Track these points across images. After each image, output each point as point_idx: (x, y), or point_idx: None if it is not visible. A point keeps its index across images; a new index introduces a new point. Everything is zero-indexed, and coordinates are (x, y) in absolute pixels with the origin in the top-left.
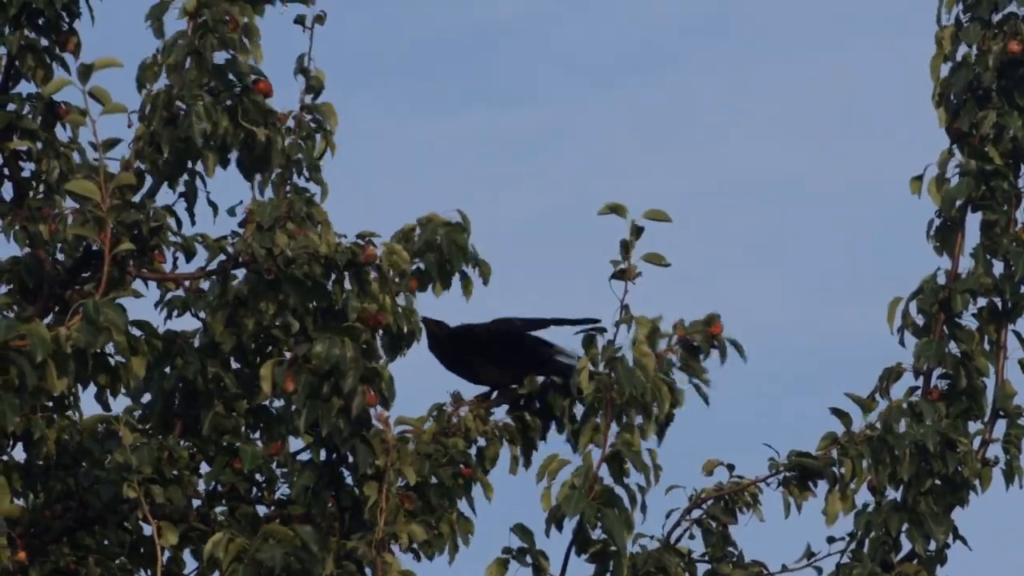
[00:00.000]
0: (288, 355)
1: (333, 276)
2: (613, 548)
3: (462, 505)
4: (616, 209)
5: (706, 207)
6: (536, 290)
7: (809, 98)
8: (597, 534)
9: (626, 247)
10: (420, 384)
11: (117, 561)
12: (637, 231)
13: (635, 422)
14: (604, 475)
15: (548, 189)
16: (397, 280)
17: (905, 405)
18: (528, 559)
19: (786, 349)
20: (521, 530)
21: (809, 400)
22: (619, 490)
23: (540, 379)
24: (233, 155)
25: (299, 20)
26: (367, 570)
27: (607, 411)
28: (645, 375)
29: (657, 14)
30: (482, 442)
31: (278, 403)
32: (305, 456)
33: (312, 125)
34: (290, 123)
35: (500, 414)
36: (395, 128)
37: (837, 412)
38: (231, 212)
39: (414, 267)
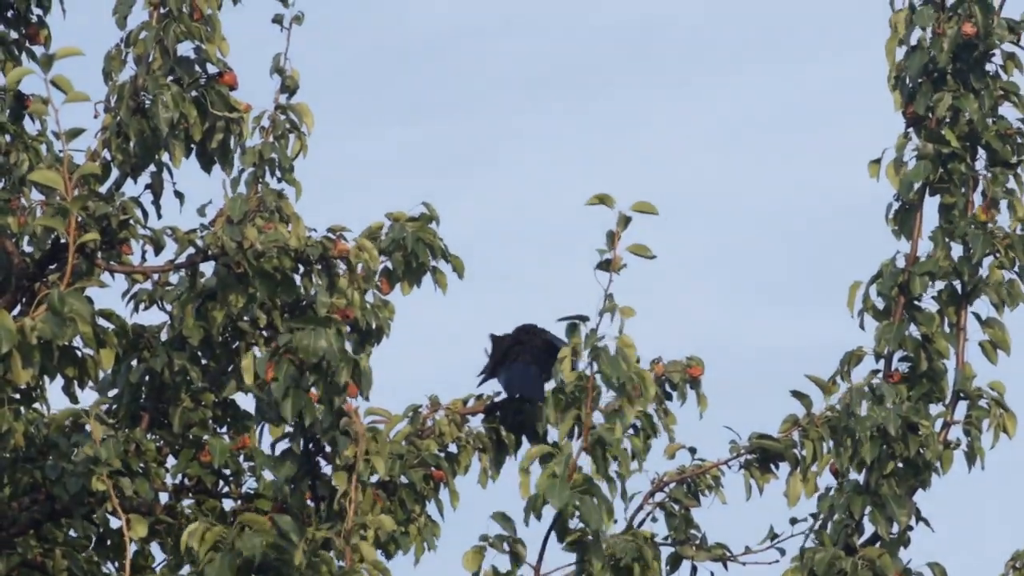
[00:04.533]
0: (258, 348)
1: (302, 270)
2: (590, 537)
3: (430, 509)
4: (603, 199)
5: (645, 221)
6: (501, 291)
7: (751, 107)
8: (575, 522)
9: (612, 237)
10: (386, 383)
11: (84, 554)
12: (625, 221)
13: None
14: (583, 463)
15: (487, 204)
16: (365, 277)
17: (866, 388)
18: (506, 546)
19: (728, 356)
20: (502, 517)
21: (764, 400)
22: (597, 479)
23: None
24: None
25: (277, 20)
26: (338, 561)
27: (588, 400)
28: (628, 364)
29: (594, 27)
30: (454, 448)
31: (251, 397)
32: (282, 447)
33: (287, 125)
34: (265, 122)
35: (476, 423)
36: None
37: (797, 394)
38: (201, 212)
39: (382, 265)
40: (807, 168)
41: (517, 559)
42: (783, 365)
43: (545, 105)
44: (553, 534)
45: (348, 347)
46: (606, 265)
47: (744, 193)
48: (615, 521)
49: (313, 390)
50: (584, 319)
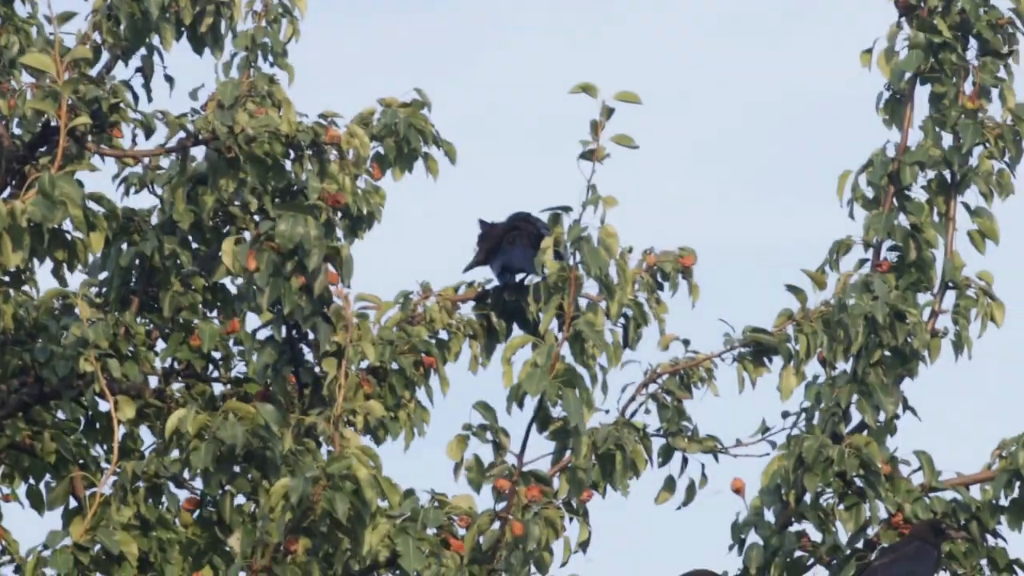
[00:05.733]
0: (247, 233)
1: (293, 155)
2: (573, 426)
3: (420, 395)
4: (587, 88)
5: (633, 113)
6: (495, 177)
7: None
8: (558, 412)
9: (595, 127)
10: (378, 268)
11: (73, 436)
12: (608, 112)
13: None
14: (566, 353)
15: (473, 94)
16: (356, 163)
17: (855, 278)
18: (489, 436)
19: (719, 250)
20: (483, 407)
21: (755, 294)
22: (580, 369)
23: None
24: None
25: None
26: (325, 447)
27: (571, 290)
28: (610, 255)
29: None
30: (444, 335)
31: (238, 281)
32: (264, 333)
33: (279, 10)
34: (258, 6)
35: (466, 310)
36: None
37: (792, 288)
38: (193, 96)
39: (373, 151)
40: (798, 59)
41: (500, 448)
42: (775, 259)
43: None
44: (536, 424)
45: (339, 233)
46: (589, 155)
47: (734, 84)
48: (606, 412)
49: (297, 276)
50: (567, 209)
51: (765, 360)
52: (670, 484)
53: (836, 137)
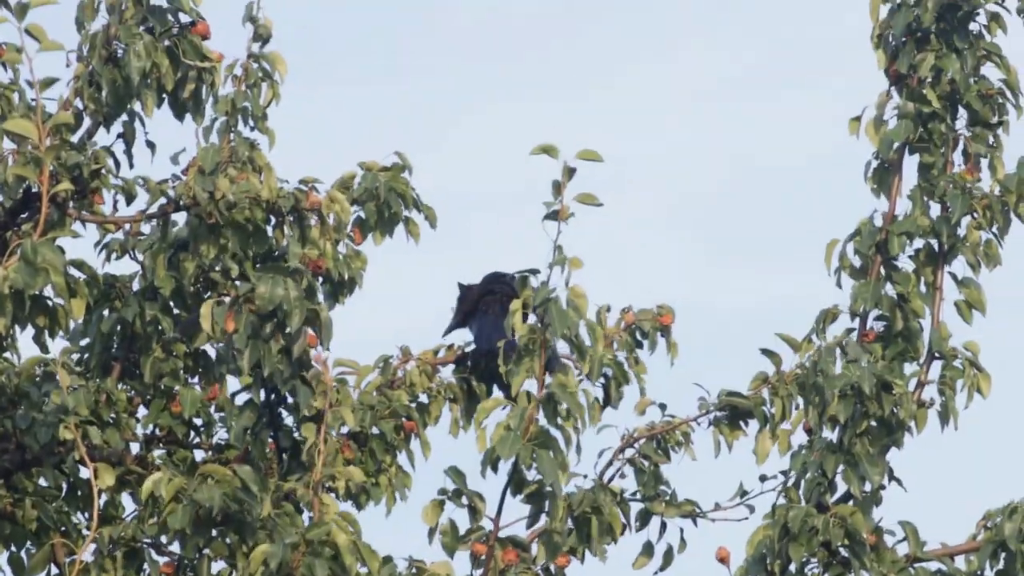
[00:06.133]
0: (227, 297)
1: (274, 221)
2: (548, 489)
3: (401, 459)
4: (547, 150)
5: (606, 177)
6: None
7: (728, 62)
8: (532, 475)
9: (558, 187)
10: (359, 333)
11: (54, 504)
12: (569, 172)
13: (570, 362)
14: (540, 417)
15: (447, 162)
16: (337, 228)
17: (837, 347)
18: (464, 500)
19: (697, 314)
20: (455, 472)
21: (733, 359)
22: (554, 431)
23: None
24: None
25: None
26: (305, 513)
27: (541, 353)
28: (579, 315)
29: None
30: (425, 399)
31: (219, 345)
32: (244, 397)
33: (259, 74)
34: (238, 71)
35: (446, 373)
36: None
37: (767, 352)
38: (174, 160)
39: (354, 215)
40: (783, 125)
41: (476, 512)
42: (752, 325)
43: (511, 55)
44: (511, 487)
45: (320, 297)
46: (554, 216)
47: (715, 149)
48: (584, 476)
49: (276, 339)
50: (535, 272)
51: (741, 424)
52: (648, 549)
53: (819, 201)
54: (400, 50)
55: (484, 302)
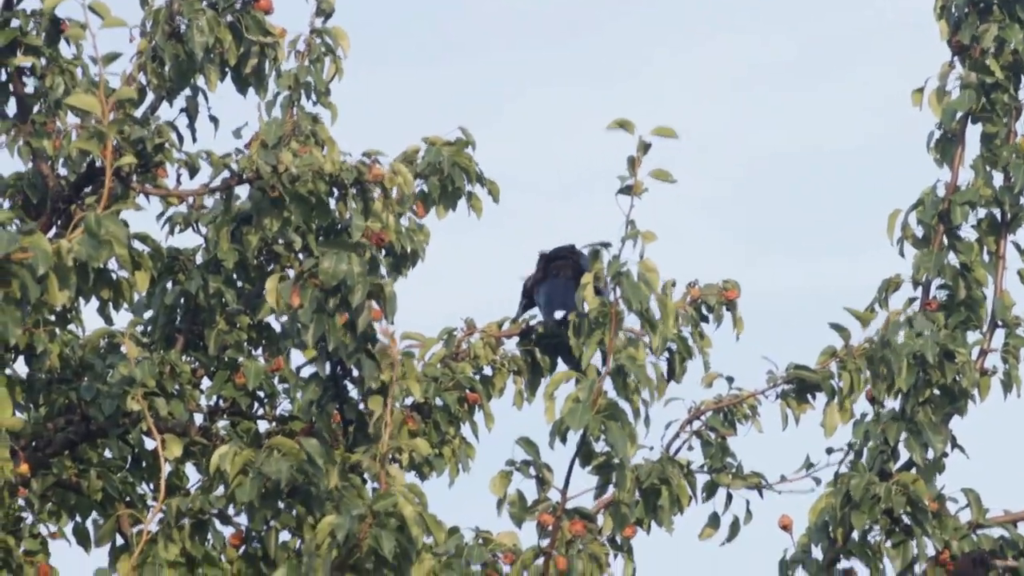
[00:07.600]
0: (291, 271)
1: (337, 194)
2: (617, 460)
3: (465, 430)
4: (624, 125)
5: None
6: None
7: (785, 44)
8: (601, 447)
9: (633, 163)
10: (421, 306)
11: (119, 474)
12: (644, 147)
13: (641, 337)
14: (608, 388)
15: (507, 141)
16: (400, 201)
17: (902, 318)
18: (532, 471)
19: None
20: (526, 443)
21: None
22: (623, 403)
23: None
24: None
25: None
26: (371, 484)
27: (612, 325)
28: (650, 289)
29: None
30: (489, 371)
31: (283, 318)
32: (309, 370)
33: (322, 49)
34: (301, 46)
35: (511, 346)
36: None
37: (836, 327)
38: (237, 134)
39: (417, 189)
40: (813, 113)
41: (543, 483)
42: (818, 304)
43: (557, 44)
44: (579, 458)
45: (383, 271)
46: (627, 190)
47: (742, 136)
48: (650, 448)
49: (340, 313)
50: (607, 245)
51: (808, 397)
52: (714, 520)
53: (873, 183)
54: (435, 38)
55: (555, 266)
